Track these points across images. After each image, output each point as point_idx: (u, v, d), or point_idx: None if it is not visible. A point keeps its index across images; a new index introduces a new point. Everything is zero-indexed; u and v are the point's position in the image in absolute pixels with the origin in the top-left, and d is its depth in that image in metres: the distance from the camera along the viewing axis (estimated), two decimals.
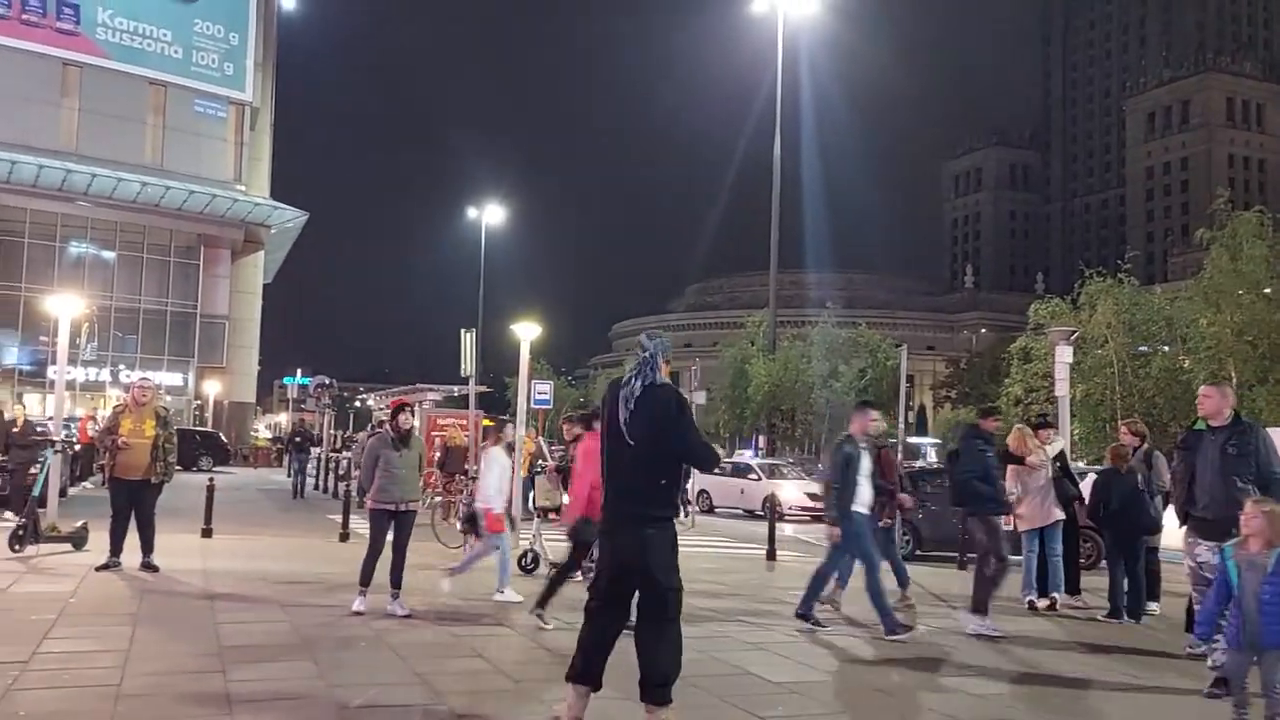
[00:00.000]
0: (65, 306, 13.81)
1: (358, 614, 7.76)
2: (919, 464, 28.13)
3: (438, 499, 17.97)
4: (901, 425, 17.29)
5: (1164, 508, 9.21)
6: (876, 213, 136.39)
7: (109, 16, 45.24)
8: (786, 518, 17.04)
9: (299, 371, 73.32)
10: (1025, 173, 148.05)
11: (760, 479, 23.27)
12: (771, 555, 13.45)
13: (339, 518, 14.17)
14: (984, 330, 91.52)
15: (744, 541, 16.76)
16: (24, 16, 43.28)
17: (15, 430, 14.20)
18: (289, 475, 26.42)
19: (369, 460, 8.27)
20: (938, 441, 43.42)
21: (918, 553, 15.00)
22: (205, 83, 47.86)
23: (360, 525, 11.07)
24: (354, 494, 13.21)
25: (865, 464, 7.95)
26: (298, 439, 26.01)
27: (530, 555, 10.84)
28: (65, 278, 38.91)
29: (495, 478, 9.06)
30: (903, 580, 9.50)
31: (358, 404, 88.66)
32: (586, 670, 4.66)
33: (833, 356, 41.01)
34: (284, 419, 61.80)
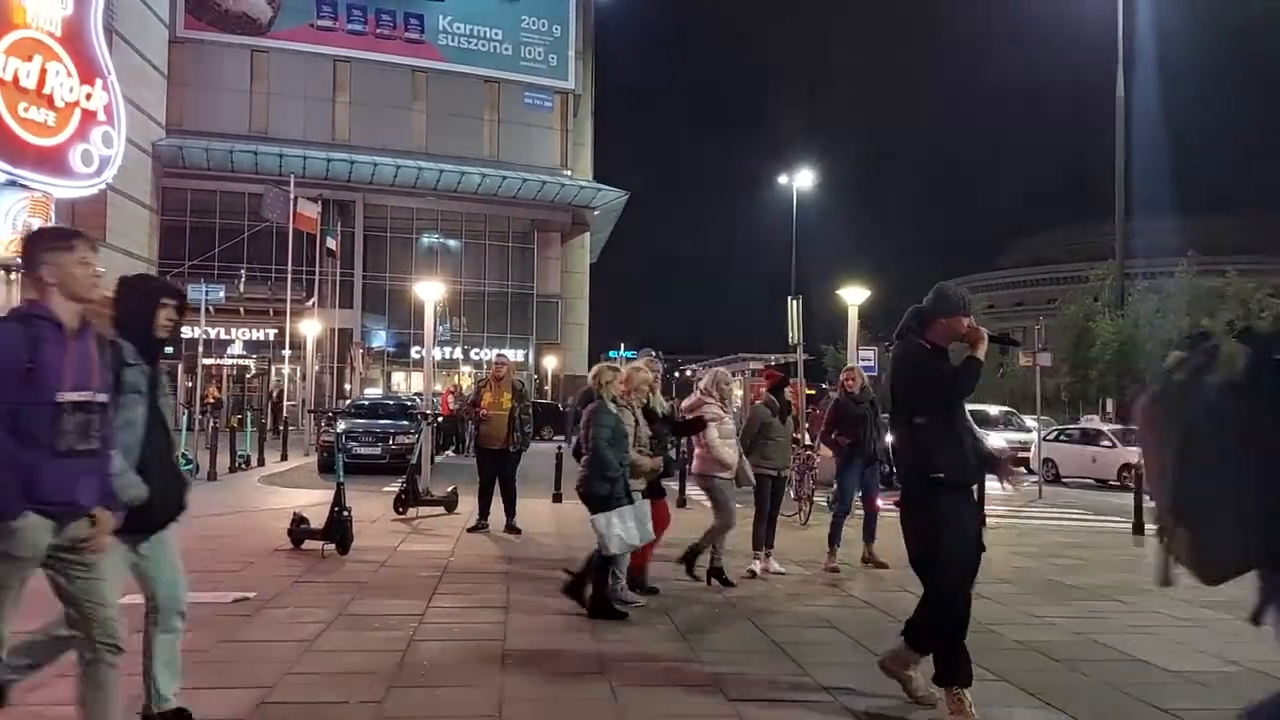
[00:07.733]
0: (429, 292, 15.24)
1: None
2: None
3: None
4: None
5: None
6: (1236, 146, 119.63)
7: (448, 23, 49.20)
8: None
9: (621, 345, 77.00)
10: None
11: (1115, 446, 21.27)
12: (1139, 528, 12.21)
13: (674, 483, 14.49)
14: None
15: (1100, 513, 15.40)
16: (378, 31, 48.09)
17: None
18: None
19: (753, 429, 8.39)
20: None
21: None
22: (533, 76, 50.87)
23: (695, 493, 11.25)
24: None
25: None
26: None
27: None
28: (421, 266, 42.66)
29: None
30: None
31: (675, 374, 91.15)
32: None
33: (1194, 310, 36.62)
34: None
